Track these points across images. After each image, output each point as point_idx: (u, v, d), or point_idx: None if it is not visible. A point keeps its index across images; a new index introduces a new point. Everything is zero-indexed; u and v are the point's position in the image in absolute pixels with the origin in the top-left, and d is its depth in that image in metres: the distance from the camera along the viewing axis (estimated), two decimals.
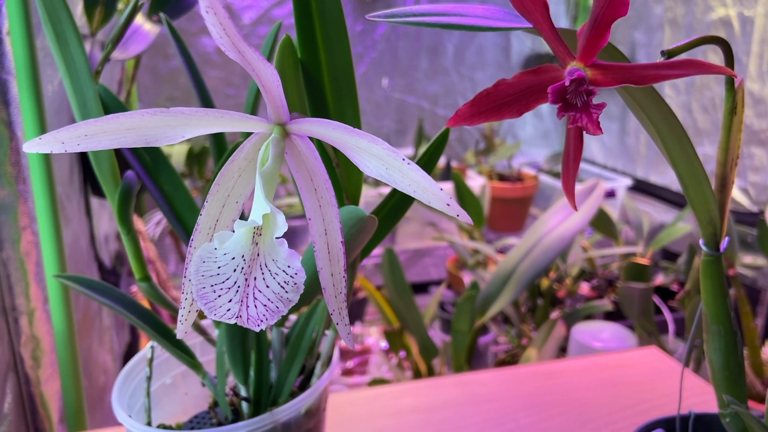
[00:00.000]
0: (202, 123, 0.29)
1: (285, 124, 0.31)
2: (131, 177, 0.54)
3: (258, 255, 0.28)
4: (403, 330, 1.42)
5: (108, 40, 0.54)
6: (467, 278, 1.77)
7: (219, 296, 0.28)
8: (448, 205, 0.25)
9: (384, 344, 1.60)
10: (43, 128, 0.73)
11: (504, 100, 0.38)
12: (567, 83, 0.34)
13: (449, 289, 1.83)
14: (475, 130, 2.28)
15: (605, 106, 0.34)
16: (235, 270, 0.28)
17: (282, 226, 0.27)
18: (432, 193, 0.26)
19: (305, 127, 0.30)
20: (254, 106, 0.49)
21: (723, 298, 0.46)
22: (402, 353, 1.46)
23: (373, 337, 1.68)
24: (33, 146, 0.27)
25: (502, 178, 2.13)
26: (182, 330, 0.32)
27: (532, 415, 0.77)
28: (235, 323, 0.28)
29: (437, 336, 1.64)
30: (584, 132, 0.38)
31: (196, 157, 1.75)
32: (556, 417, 0.76)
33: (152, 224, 1.79)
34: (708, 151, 1.89)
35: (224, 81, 2.13)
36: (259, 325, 0.28)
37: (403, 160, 0.27)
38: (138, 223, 1.42)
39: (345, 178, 0.43)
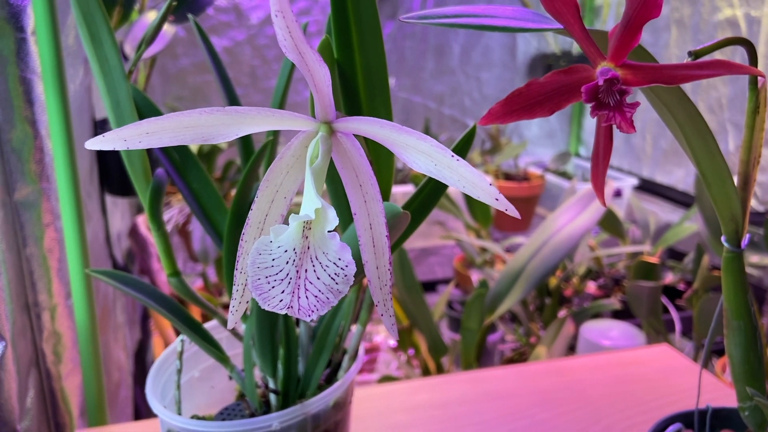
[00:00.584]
0: (255, 121, 0.30)
1: (332, 122, 0.32)
2: (161, 174, 0.55)
3: (308, 248, 0.29)
4: (412, 328, 1.43)
5: (141, 39, 0.55)
6: (475, 277, 1.78)
7: (273, 287, 0.29)
8: (497, 200, 0.27)
9: (392, 342, 1.61)
10: (68, 127, 0.74)
11: (536, 100, 0.39)
12: (600, 83, 0.35)
13: (457, 288, 1.84)
14: (481, 130, 2.30)
15: (639, 105, 0.35)
16: (287, 262, 0.29)
17: (333, 220, 0.29)
18: (481, 188, 0.27)
19: (353, 125, 0.31)
20: (283, 98, 0.50)
21: (743, 294, 0.47)
22: (411, 351, 1.47)
23: (382, 335, 1.69)
24: (96, 144, 0.28)
25: (508, 177, 2.14)
26: (233, 320, 0.34)
27: (545, 412, 0.78)
28: (287, 313, 0.29)
29: (445, 334, 1.65)
30: (614, 130, 0.39)
31: (205, 156, 1.76)
32: (570, 413, 0.77)
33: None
34: None
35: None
36: (309, 315, 0.29)
37: (452, 156, 0.28)
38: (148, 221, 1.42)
39: (376, 174, 0.45)
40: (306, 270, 0.29)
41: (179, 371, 0.53)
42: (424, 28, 2.28)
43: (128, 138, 0.28)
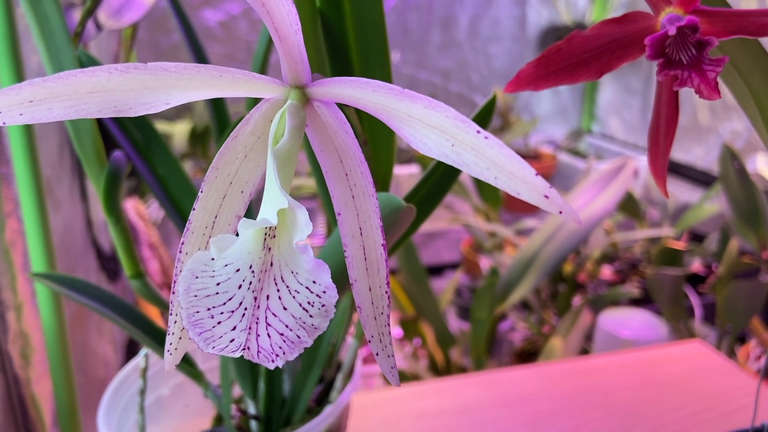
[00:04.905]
0: (193, 84, 0.21)
1: (305, 87, 0.23)
2: (119, 158, 0.46)
3: (271, 265, 0.21)
4: (418, 317, 1.36)
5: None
6: (483, 262, 1.69)
7: (219, 323, 0.20)
8: (547, 197, 0.18)
9: (398, 332, 1.53)
10: None
11: (579, 58, 0.30)
12: (671, 32, 0.26)
13: (464, 273, 1.76)
14: None
15: (727, 60, 0.26)
16: (240, 286, 0.20)
17: (304, 226, 0.20)
18: (522, 179, 0.18)
19: (333, 89, 0.22)
20: (263, 66, 0.41)
21: None
22: (417, 341, 1.39)
23: None
24: None
25: None
26: (172, 362, 0.25)
27: (569, 419, 0.70)
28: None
29: (453, 323, 1.57)
30: (686, 96, 0.30)
31: (199, 136, 1.67)
32: (597, 421, 0.69)
33: (155, 207, 1.72)
34: (737, 127, 1.80)
35: (228, 57, 2.05)
36: (273, 361, 0.20)
37: (478, 132, 0.19)
38: (139, 205, 1.34)
39: (373, 157, 0.36)
40: (268, 297, 0.20)
41: (142, 392, 0.45)
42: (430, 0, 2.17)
43: (4, 109, 0.19)
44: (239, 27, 2.03)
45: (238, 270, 0.21)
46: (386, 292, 0.23)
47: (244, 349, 0.20)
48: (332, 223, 0.39)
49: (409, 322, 1.36)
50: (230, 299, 0.20)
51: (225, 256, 0.20)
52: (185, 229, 0.24)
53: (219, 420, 0.48)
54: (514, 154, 0.18)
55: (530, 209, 2.00)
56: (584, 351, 1.35)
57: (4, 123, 0.19)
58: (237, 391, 0.49)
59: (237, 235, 0.20)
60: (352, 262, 0.23)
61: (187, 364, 0.46)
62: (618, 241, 1.56)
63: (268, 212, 0.20)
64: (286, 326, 0.20)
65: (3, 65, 0.64)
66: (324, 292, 0.20)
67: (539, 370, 0.80)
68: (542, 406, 0.72)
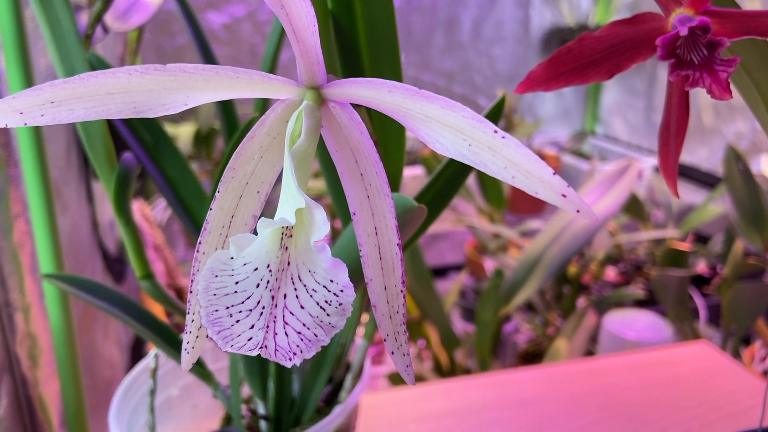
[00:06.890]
0: (211, 85, 0.21)
1: (321, 88, 0.23)
2: (129, 159, 0.46)
3: (288, 264, 0.21)
4: (422, 319, 1.36)
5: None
6: (488, 264, 1.69)
7: (237, 321, 0.20)
8: (565, 196, 0.18)
9: None
10: None
11: (590, 59, 0.30)
12: (683, 32, 0.26)
13: (469, 275, 1.76)
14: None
15: (738, 61, 0.26)
16: (258, 285, 0.21)
17: (321, 225, 0.20)
18: (539, 178, 0.18)
19: (349, 90, 0.22)
20: (272, 65, 0.41)
21: None
22: (421, 342, 1.40)
23: None
24: None
25: None
26: (189, 361, 0.25)
27: (575, 420, 0.70)
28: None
29: (457, 325, 1.57)
30: (690, 97, 0.30)
31: (204, 138, 1.68)
32: (603, 422, 0.69)
33: (159, 208, 1.72)
34: (741, 129, 1.80)
35: (232, 59, 2.05)
36: (291, 359, 0.21)
37: (495, 132, 0.19)
38: (144, 207, 1.34)
39: (384, 158, 0.36)
40: (285, 296, 0.21)
41: (152, 392, 0.45)
42: (434, 0, 2.17)
43: (25, 110, 0.20)
44: (243, 30, 2.04)
45: (256, 269, 0.21)
46: (401, 291, 0.23)
47: (261, 347, 0.21)
48: (342, 224, 0.39)
49: (414, 324, 1.36)
50: (248, 298, 0.21)
51: (244, 255, 0.21)
52: (202, 228, 0.24)
53: (228, 420, 0.48)
54: (532, 154, 0.18)
55: (534, 211, 2.00)
56: (589, 352, 1.35)
57: (25, 123, 0.20)
58: (246, 391, 0.50)
59: (255, 234, 0.21)
60: (368, 261, 0.23)
61: (196, 365, 0.46)
62: (622, 242, 1.56)
63: (285, 212, 0.20)
64: (304, 325, 0.20)
65: (12, 68, 0.65)
66: (341, 290, 0.20)
67: (544, 371, 0.80)
68: (547, 407, 0.72)
